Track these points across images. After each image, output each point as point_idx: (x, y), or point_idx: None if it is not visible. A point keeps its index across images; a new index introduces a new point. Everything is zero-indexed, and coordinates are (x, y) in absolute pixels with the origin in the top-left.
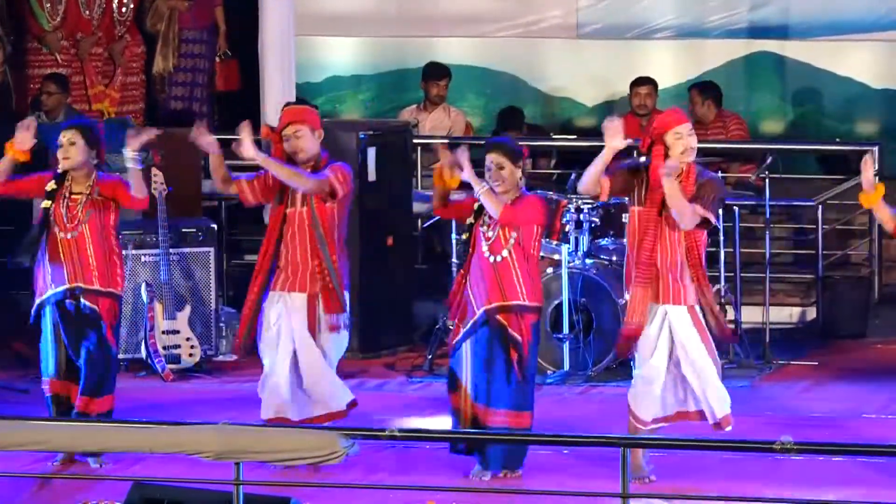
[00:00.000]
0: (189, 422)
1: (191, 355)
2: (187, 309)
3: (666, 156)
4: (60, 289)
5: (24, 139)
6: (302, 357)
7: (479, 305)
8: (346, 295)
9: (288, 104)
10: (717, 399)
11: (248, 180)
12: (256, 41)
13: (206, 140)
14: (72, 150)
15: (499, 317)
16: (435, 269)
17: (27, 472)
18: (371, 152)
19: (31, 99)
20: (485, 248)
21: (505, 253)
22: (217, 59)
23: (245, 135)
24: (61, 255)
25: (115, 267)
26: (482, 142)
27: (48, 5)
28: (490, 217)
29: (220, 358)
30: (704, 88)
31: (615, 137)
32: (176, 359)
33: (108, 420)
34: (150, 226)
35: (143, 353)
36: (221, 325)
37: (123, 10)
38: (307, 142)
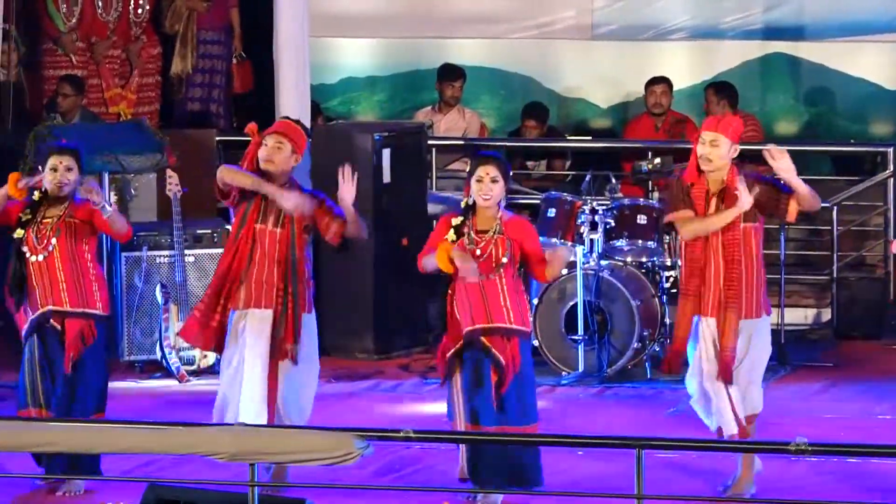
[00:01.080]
0: (204, 423)
1: (205, 357)
2: None
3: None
4: (36, 314)
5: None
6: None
7: (466, 325)
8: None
9: (286, 118)
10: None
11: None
12: (270, 43)
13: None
14: (70, 175)
15: (483, 339)
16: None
17: (39, 475)
18: (386, 154)
19: (45, 100)
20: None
21: (496, 275)
22: (234, 61)
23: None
24: (33, 279)
25: (90, 286)
26: (497, 143)
27: (64, 7)
28: (478, 234)
29: None
30: (720, 89)
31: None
32: (191, 360)
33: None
34: (164, 227)
35: (158, 355)
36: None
37: (139, 10)
38: (283, 157)
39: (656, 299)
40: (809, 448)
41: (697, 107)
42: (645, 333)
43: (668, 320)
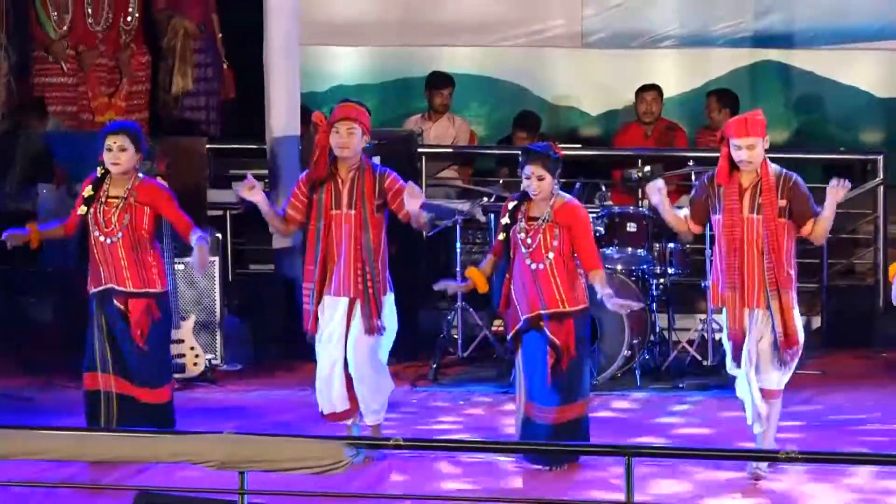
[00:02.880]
0: (194, 431)
1: (195, 365)
2: (192, 319)
3: (729, 157)
4: (100, 289)
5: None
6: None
7: (523, 312)
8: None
9: (345, 100)
10: None
11: (290, 207)
12: (256, 50)
13: (257, 198)
14: (123, 156)
15: (540, 323)
16: (439, 278)
17: (31, 482)
18: (375, 161)
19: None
20: (525, 256)
21: (547, 262)
22: (224, 66)
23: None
24: (97, 256)
25: (150, 268)
26: (486, 151)
27: (55, 14)
28: (529, 222)
29: (225, 367)
30: (722, 96)
31: (654, 194)
32: (181, 368)
33: (167, 411)
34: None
35: None
36: (226, 334)
37: (129, 19)
38: (356, 140)
39: (646, 307)
40: (799, 456)
41: (688, 114)
42: (635, 341)
43: (658, 328)
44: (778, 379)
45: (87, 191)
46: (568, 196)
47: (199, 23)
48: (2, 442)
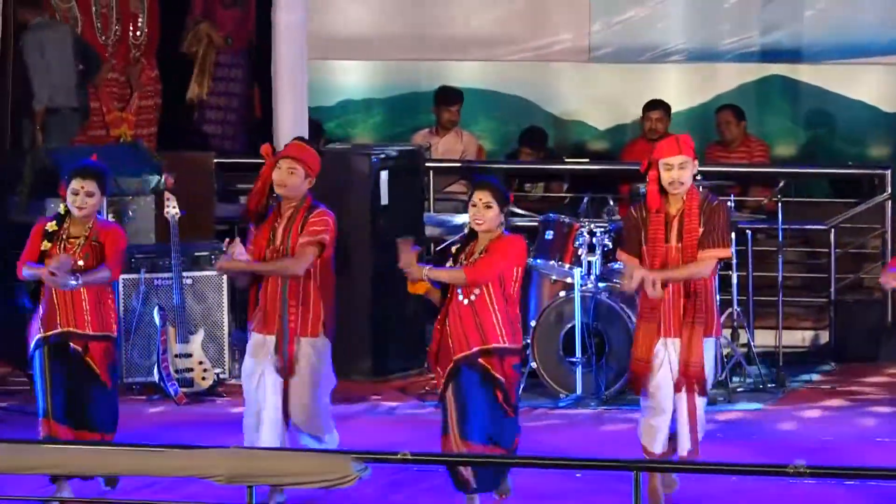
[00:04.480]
0: (202, 445)
1: (203, 378)
2: (200, 333)
3: (658, 182)
4: (53, 332)
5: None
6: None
7: (460, 350)
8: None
9: (299, 138)
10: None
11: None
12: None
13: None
14: (89, 201)
15: (480, 360)
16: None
17: (38, 497)
18: (383, 176)
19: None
20: (459, 292)
21: (477, 291)
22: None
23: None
24: (55, 298)
25: (109, 310)
26: (494, 165)
27: None
28: (464, 260)
29: (233, 381)
30: (738, 110)
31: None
32: (189, 382)
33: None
34: (163, 250)
35: (156, 377)
36: (234, 348)
37: (139, 33)
38: (296, 180)
39: None
40: (807, 471)
41: (695, 129)
42: None
43: None
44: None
45: (51, 225)
46: (512, 235)
47: (226, 35)
48: (11, 456)
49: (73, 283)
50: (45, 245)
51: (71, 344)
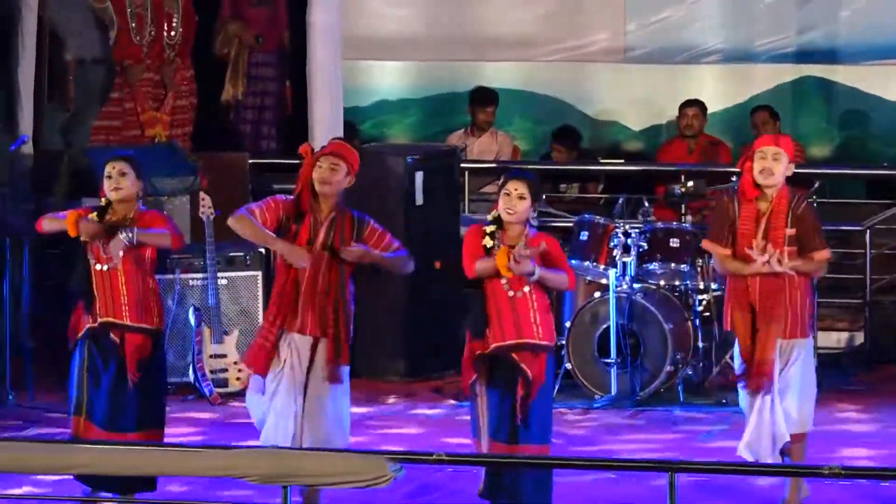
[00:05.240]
0: (237, 445)
1: (238, 379)
2: (235, 333)
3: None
4: (93, 324)
5: (87, 229)
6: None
7: (496, 341)
8: None
9: (338, 138)
10: None
11: (266, 210)
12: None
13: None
14: (123, 181)
15: (513, 354)
16: (479, 291)
17: (76, 497)
18: (419, 176)
19: None
20: (504, 283)
21: (526, 289)
22: (287, 84)
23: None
24: (94, 288)
25: (150, 302)
26: (530, 166)
27: None
28: (519, 277)
29: None
30: (774, 111)
31: None
32: (223, 382)
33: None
34: (197, 250)
35: (191, 377)
36: None
37: (173, 33)
38: (338, 178)
39: (689, 323)
40: (843, 472)
41: (731, 130)
42: (678, 357)
43: (700, 344)
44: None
45: (92, 217)
46: (536, 231)
47: (257, 34)
48: (47, 456)
49: (125, 236)
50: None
51: (110, 334)
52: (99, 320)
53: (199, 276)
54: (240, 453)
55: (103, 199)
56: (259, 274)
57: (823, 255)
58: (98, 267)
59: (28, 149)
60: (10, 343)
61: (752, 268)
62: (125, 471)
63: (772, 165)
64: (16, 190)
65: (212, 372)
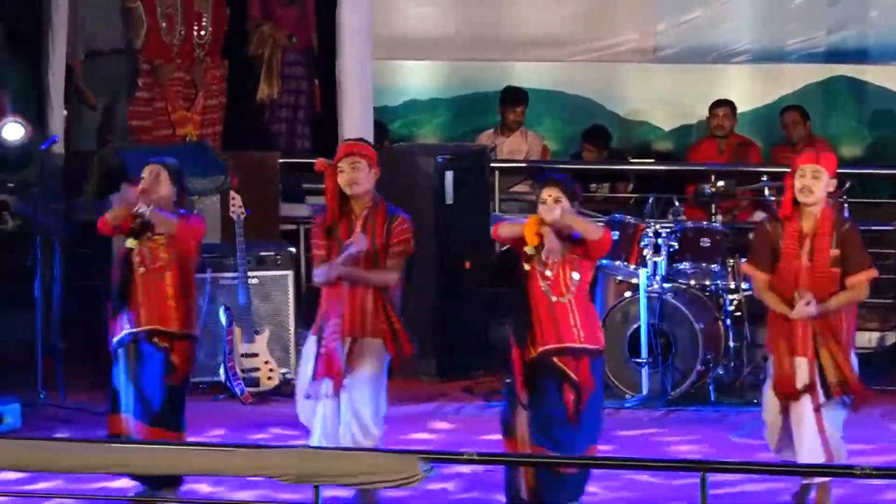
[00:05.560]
0: (268, 445)
1: (269, 378)
2: (266, 332)
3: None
4: (138, 329)
5: (118, 215)
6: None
7: (537, 347)
8: None
9: (347, 140)
10: None
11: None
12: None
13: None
14: (155, 184)
15: (555, 359)
16: (511, 293)
17: (110, 496)
18: (448, 176)
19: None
20: (544, 288)
21: (567, 296)
22: (316, 82)
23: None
24: (139, 295)
25: (193, 308)
26: (560, 165)
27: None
28: (547, 255)
29: None
30: (804, 111)
31: None
32: (255, 382)
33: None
34: (228, 249)
35: (222, 376)
36: (300, 348)
37: (203, 32)
38: (362, 174)
39: (720, 322)
40: (874, 472)
41: (760, 130)
42: (708, 356)
43: (731, 343)
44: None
45: (137, 224)
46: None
47: (289, 34)
48: (79, 455)
49: (144, 209)
50: (132, 243)
51: (156, 341)
52: (144, 327)
53: (230, 275)
54: (271, 453)
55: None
56: (290, 273)
57: (863, 276)
58: (142, 271)
59: (59, 148)
60: (41, 343)
61: (792, 314)
62: (154, 470)
63: (811, 184)
64: (46, 189)
65: (243, 371)
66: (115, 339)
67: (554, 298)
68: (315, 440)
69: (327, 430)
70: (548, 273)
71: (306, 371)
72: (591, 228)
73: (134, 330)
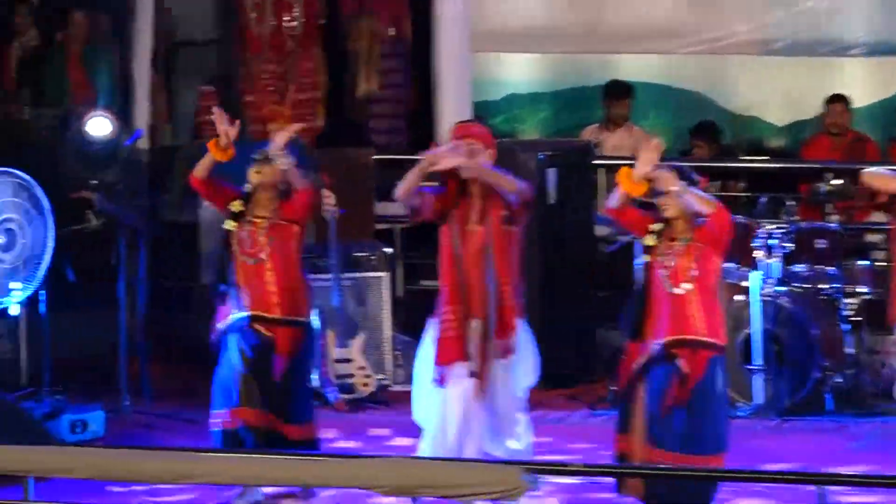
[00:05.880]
0: (364, 454)
1: (365, 385)
2: (361, 336)
3: None
4: (243, 315)
5: (229, 135)
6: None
7: (654, 339)
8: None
9: (461, 121)
10: None
11: (433, 193)
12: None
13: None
14: (266, 168)
15: (674, 351)
16: (618, 295)
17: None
18: (551, 173)
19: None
20: (663, 278)
21: (687, 286)
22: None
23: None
24: (243, 280)
25: (300, 293)
26: (667, 163)
27: None
28: (669, 243)
29: (396, 388)
30: None
31: None
32: (349, 388)
33: (310, 449)
34: (320, 250)
35: (315, 382)
36: (397, 353)
37: (294, 23)
38: (479, 157)
39: (837, 327)
40: None
41: (877, 126)
42: (825, 363)
43: (849, 350)
44: None
45: (237, 205)
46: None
47: (388, 25)
48: (164, 464)
49: (286, 160)
50: (231, 225)
51: (259, 328)
52: (247, 313)
53: (323, 276)
54: (367, 463)
55: (248, 186)
56: (385, 275)
57: None
58: (243, 259)
59: (143, 143)
60: (125, 346)
61: None
62: (244, 481)
63: None
64: (131, 186)
65: (337, 377)
66: (221, 326)
67: (673, 290)
68: (434, 433)
69: (452, 421)
70: (668, 263)
71: (427, 357)
72: (703, 198)
73: (239, 316)
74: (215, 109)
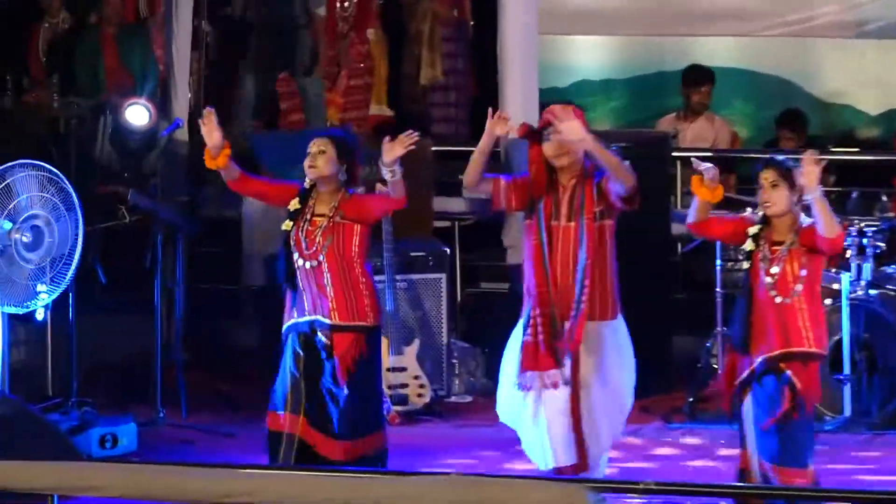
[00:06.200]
0: (417, 471)
1: (420, 396)
2: (416, 343)
3: None
4: (302, 319)
5: (211, 141)
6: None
7: (760, 352)
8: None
9: (553, 104)
10: None
11: (507, 180)
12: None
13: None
14: (320, 159)
15: (782, 365)
16: (696, 299)
17: None
18: None
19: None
20: (768, 286)
21: (794, 295)
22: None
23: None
24: (300, 282)
25: (361, 297)
26: (751, 155)
27: None
28: (772, 247)
29: (453, 399)
30: None
31: None
32: (403, 399)
33: (378, 464)
34: (374, 249)
35: None
36: (454, 361)
37: (346, 4)
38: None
39: None
40: None
41: None
42: None
43: None
44: None
45: (294, 204)
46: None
47: (451, 6)
48: (203, 481)
49: (396, 169)
50: (287, 225)
51: (319, 334)
52: (307, 317)
53: (376, 278)
54: (420, 480)
55: (307, 182)
56: (443, 276)
57: None
58: (300, 262)
59: (182, 134)
60: (160, 354)
61: None
62: (284, 499)
63: None
64: (169, 180)
65: (389, 387)
66: (284, 327)
67: (780, 299)
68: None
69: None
70: (773, 269)
71: (513, 360)
72: (829, 216)
73: (299, 320)
74: (206, 111)
